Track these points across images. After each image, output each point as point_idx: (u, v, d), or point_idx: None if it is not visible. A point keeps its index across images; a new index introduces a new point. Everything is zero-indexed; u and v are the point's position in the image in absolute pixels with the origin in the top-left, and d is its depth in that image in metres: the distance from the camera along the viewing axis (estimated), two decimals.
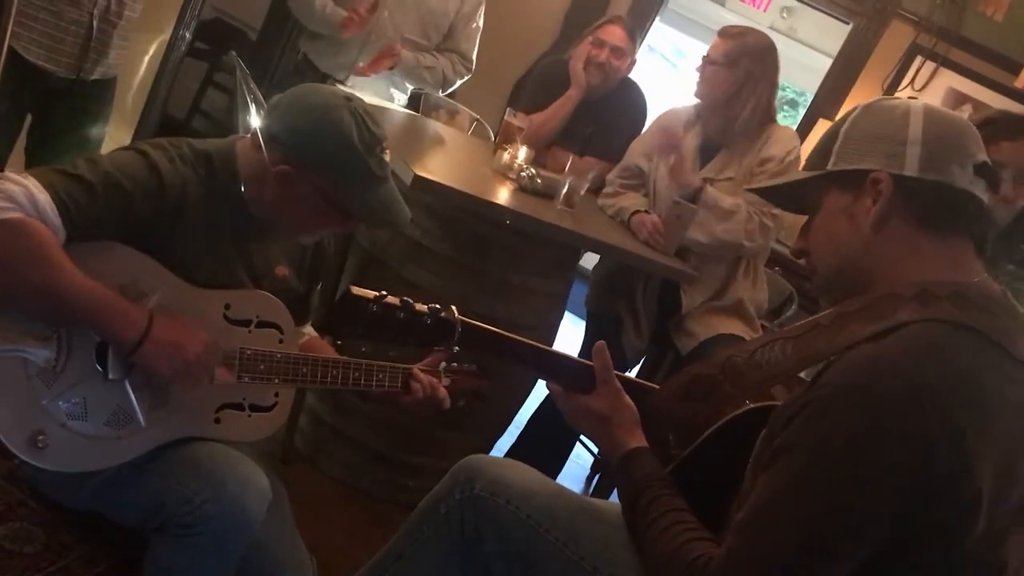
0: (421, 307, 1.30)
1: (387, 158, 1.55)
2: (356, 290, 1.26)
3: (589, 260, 3.04)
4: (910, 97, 4.46)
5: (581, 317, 3.14)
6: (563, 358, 1.44)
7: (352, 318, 1.26)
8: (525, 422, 2.94)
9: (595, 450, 3.24)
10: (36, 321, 1.37)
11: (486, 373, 1.82)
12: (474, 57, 3.48)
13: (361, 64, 3.27)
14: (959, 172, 1.16)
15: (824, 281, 1.28)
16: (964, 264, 1.17)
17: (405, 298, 1.29)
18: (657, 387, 1.45)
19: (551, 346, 2.54)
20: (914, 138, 1.17)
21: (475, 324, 1.35)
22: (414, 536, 1.47)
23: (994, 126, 1.93)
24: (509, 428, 2.87)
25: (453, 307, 1.33)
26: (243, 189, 1.55)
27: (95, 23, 2.27)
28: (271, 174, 1.51)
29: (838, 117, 1.32)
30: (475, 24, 3.43)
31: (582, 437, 3.03)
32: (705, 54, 2.72)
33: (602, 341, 1.43)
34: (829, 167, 1.24)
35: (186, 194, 1.48)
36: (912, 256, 1.17)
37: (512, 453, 2.84)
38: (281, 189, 1.51)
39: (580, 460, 3.35)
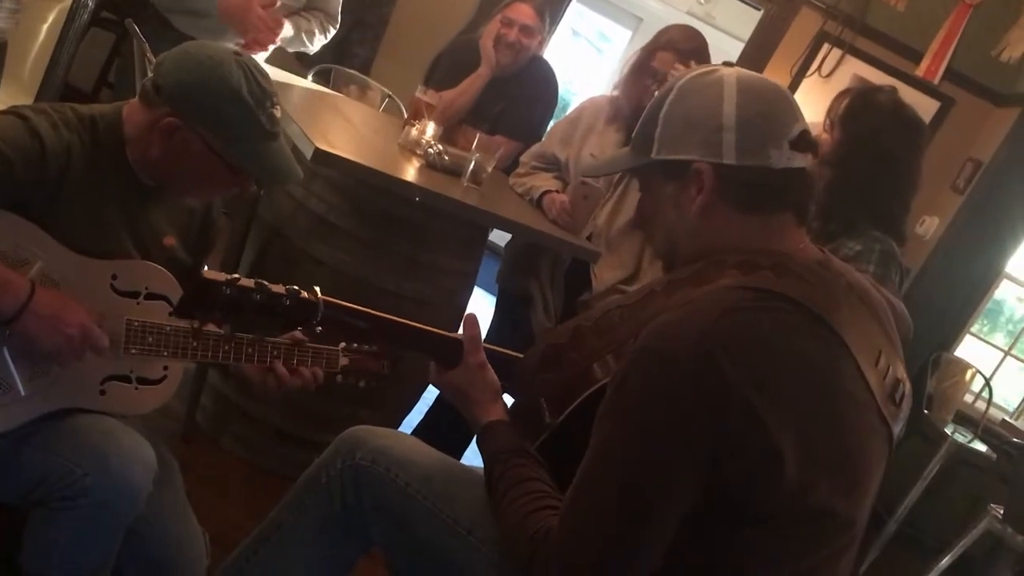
0: (278, 288, 1.28)
1: (277, 114, 1.53)
2: (208, 273, 1.24)
3: (502, 237, 3.05)
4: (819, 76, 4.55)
5: (494, 293, 3.15)
6: (432, 334, 1.44)
7: (206, 302, 1.24)
8: (434, 399, 2.95)
9: None
10: None
11: (388, 354, 1.80)
12: (339, 15, 3.29)
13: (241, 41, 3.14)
14: (776, 153, 1.18)
15: (657, 253, 1.33)
16: (786, 235, 1.22)
17: (260, 280, 1.27)
18: (521, 356, 1.47)
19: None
20: (728, 123, 1.18)
21: (338, 303, 1.34)
22: (295, 506, 1.47)
23: None
24: (418, 405, 2.87)
25: (316, 288, 1.32)
26: (128, 153, 1.51)
27: None
28: (158, 129, 1.47)
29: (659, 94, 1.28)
30: None
31: None
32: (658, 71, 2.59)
33: (472, 313, 1.44)
34: (652, 155, 1.25)
35: (70, 160, 1.44)
36: (737, 234, 1.21)
37: (420, 430, 2.84)
38: (168, 144, 1.48)
39: None
